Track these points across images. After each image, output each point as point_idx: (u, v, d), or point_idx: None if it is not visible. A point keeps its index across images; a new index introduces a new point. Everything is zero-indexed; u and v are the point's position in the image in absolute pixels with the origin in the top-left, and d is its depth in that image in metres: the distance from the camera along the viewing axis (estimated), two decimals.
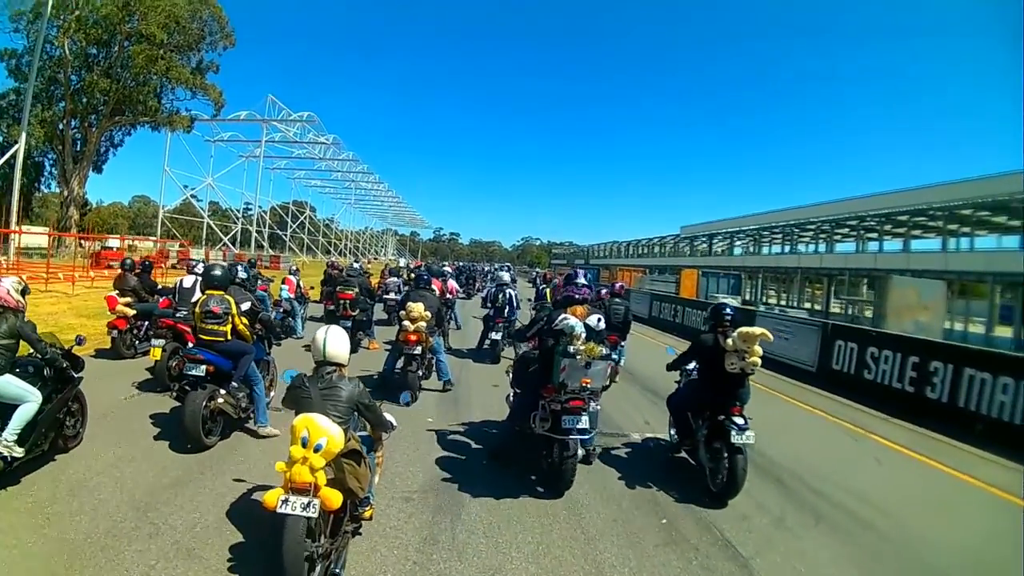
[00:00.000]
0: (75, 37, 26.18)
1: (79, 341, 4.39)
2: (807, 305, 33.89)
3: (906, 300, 16.75)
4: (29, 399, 3.60)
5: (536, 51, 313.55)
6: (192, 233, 47.43)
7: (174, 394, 4.93)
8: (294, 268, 11.37)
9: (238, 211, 48.55)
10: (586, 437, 4.26)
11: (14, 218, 21.34)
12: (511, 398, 5.01)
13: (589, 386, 4.07)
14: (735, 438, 3.97)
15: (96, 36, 26.90)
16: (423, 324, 6.46)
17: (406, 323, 6.47)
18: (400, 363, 6.54)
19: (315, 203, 68.80)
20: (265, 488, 3.34)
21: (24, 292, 3.87)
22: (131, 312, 7.25)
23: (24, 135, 20.49)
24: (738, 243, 45.07)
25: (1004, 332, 21.09)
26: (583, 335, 4.11)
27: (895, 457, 5.85)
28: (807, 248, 37.92)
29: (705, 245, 48.07)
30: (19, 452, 3.50)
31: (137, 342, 7.44)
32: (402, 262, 34.24)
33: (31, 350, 3.81)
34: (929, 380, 7.19)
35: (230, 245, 43.27)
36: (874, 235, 31.34)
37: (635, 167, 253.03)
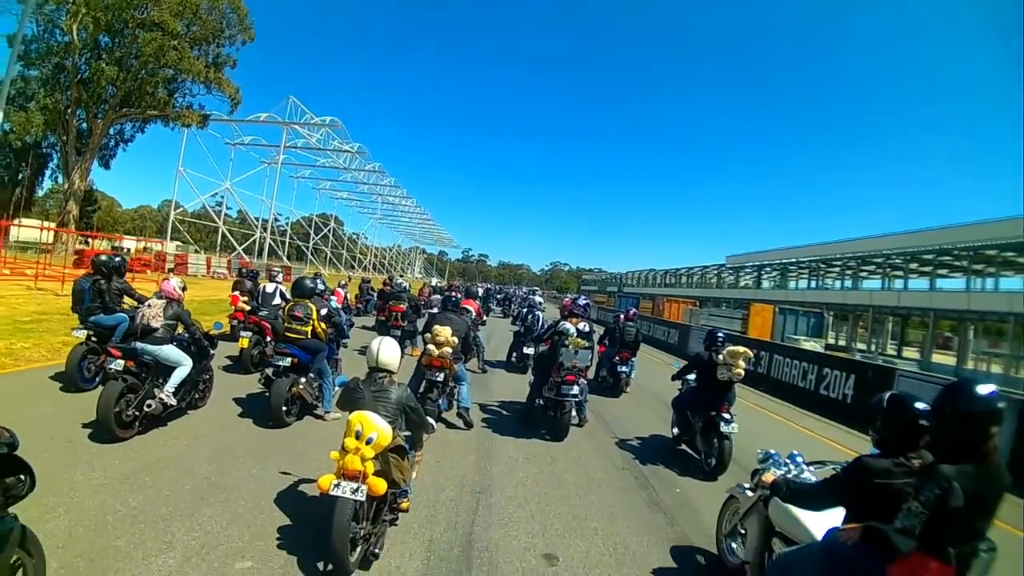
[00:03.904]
0: (84, 23, 26.11)
1: (217, 327, 6.38)
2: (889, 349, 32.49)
3: None
4: (184, 363, 5.47)
5: (568, 77, 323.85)
6: (210, 239, 48.86)
7: (261, 380, 6.62)
8: (342, 282, 14.86)
9: (258, 219, 49.47)
10: (579, 399, 6.94)
11: None
12: (531, 381, 7.56)
13: (577, 365, 6.77)
14: (723, 428, 5.73)
15: (106, 22, 26.72)
16: (448, 350, 6.44)
17: (430, 347, 6.45)
18: (422, 388, 6.51)
19: (343, 217, 71.69)
20: (310, 481, 4.37)
21: (183, 288, 5.82)
22: (247, 308, 10.00)
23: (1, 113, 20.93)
24: (791, 276, 45.13)
25: None
26: (575, 334, 7.05)
27: None
28: (861, 283, 37.74)
29: (753, 278, 48.39)
30: (173, 401, 5.33)
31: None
32: (434, 281, 36.26)
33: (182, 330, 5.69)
34: None
35: (243, 253, 44.08)
36: (947, 271, 30.53)
37: (668, 195, 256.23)
